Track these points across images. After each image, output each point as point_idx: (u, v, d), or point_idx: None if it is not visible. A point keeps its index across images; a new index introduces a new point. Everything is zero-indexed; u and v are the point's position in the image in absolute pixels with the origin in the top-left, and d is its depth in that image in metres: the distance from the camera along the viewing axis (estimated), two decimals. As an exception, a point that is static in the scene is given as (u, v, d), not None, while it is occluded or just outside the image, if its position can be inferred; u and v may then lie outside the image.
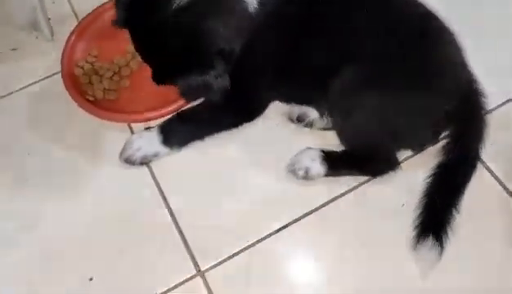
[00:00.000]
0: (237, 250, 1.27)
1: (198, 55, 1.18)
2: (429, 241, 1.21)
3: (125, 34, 1.38)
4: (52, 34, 1.60)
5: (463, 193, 1.27)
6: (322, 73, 1.28)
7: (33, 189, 1.36)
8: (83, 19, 1.56)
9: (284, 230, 1.29)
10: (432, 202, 1.26)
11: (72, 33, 1.52)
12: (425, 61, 1.23)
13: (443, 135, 1.35)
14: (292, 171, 1.33)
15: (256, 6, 1.22)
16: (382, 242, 1.27)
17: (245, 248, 1.27)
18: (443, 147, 1.33)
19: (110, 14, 1.51)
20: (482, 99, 1.31)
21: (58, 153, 1.41)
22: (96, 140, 1.43)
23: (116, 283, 1.23)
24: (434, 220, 1.25)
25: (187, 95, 1.29)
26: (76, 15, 1.64)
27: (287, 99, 1.41)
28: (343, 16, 1.26)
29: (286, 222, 1.30)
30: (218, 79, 1.20)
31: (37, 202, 1.34)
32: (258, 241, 1.28)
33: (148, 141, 1.36)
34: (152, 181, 1.37)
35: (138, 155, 1.36)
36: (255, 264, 1.25)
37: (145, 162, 1.37)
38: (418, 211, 1.27)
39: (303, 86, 1.34)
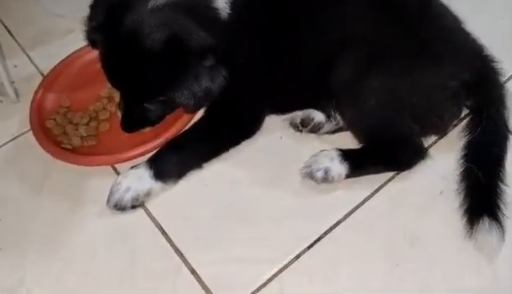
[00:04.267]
0: (265, 279, 1.05)
1: (182, 57, 1.08)
2: (486, 222, 1.04)
3: (97, 81, 1.32)
4: (18, 96, 1.46)
5: (504, 164, 1.13)
6: (318, 68, 1.17)
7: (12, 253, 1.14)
8: (50, 71, 1.43)
9: (316, 246, 1.09)
10: (475, 181, 1.11)
11: (39, 87, 1.39)
12: (430, 32, 1.15)
13: (463, 115, 1.24)
14: (309, 173, 1.16)
15: (228, 11, 1.13)
16: (432, 237, 1.09)
17: (275, 275, 1.06)
18: (468, 123, 1.21)
19: (79, 63, 1.45)
20: (496, 66, 1.21)
21: (37, 207, 1.21)
22: (79, 191, 1.23)
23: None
24: (483, 198, 1.09)
25: (193, 103, 1.14)
26: (41, 73, 1.51)
27: (286, 107, 1.28)
28: (329, 4, 1.18)
29: (316, 237, 1.10)
30: (213, 73, 1.10)
31: (17, 266, 1.11)
32: (289, 263, 1.07)
33: (137, 179, 1.17)
34: (150, 222, 1.16)
35: (128, 197, 1.16)
36: (289, 289, 1.04)
37: (137, 204, 1.17)
38: (461, 195, 1.11)
39: (300, 87, 1.22)
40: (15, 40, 1.60)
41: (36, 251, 1.14)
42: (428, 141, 1.22)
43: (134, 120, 1.22)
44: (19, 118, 1.39)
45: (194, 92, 1.11)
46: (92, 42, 1.17)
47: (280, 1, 1.19)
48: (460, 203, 1.10)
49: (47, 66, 1.47)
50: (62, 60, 1.45)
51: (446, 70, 1.13)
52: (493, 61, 1.20)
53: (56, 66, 1.44)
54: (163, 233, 1.14)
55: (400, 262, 1.06)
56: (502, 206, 1.07)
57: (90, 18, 1.16)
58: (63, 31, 1.60)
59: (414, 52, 1.12)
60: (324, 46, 1.17)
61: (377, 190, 1.17)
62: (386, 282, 1.03)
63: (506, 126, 1.18)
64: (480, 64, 1.18)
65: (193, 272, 1.08)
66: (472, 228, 1.05)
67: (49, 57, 1.49)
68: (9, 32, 1.62)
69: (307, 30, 1.18)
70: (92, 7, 1.18)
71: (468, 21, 1.22)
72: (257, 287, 1.04)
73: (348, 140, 1.22)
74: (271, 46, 1.18)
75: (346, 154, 1.16)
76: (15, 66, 1.55)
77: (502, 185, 1.09)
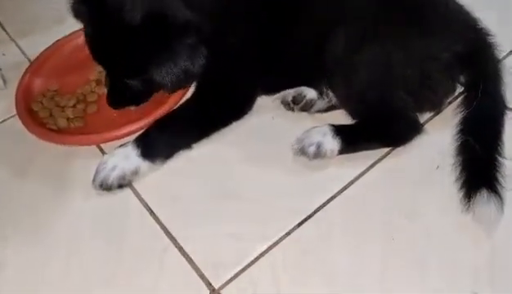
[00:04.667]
0: (256, 255, 1.01)
1: (163, 33, 1.06)
2: (484, 194, 1.00)
3: (87, 66, 1.31)
4: (5, 83, 1.43)
5: (502, 138, 1.09)
6: (310, 45, 1.16)
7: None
8: (38, 56, 1.41)
9: (308, 221, 1.05)
10: (472, 154, 1.07)
11: (26, 71, 1.37)
12: (421, 4, 1.14)
13: (458, 93, 1.21)
14: (301, 149, 1.12)
15: None
16: (429, 211, 1.05)
17: (266, 251, 1.02)
18: (464, 99, 1.18)
19: (68, 48, 1.43)
20: (491, 39, 1.18)
21: (20, 191, 1.16)
22: (65, 173, 1.19)
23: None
24: (481, 171, 1.05)
25: (170, 82, 1.11)
26: (30, 61, 1.48)
27: (278, 85, 1.25)
28: None
29: (309, 213, 1.06)
30: (193, 52, 1.08)
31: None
32: (280, 239, 1.03)
33: (124, 157, 1.13)
34: (138, 202, 1.12)
35: (114, 175, 1.11)
36: (280, 264, 1.00)
37: (123, 184, 1.13)
38: (458, 169, 1.08)
39: (292, 64, 1.20)
40: (4, 29, 1.59)
41: (18, 232, 1.09)
42: (423, 118, 1.19)
43: (119, 96, 1.19)
44: (5, 103, 1.36)
45: (171, 70, 1.08)
46: (77, 14, 1.15)
47: None
48: (457, 177, 1.07)
49: (35, 54, 1.45)
50: (50, 45, 1.43)
51: (438, 42, 1.11)
52: (487, 34, 1.17)
53: (43, 51, 1.42)
54: (151, 212, 1.10)
55: (396, 236, 1.01)
56: (501, 178, 1.03)
57: None
58: (52, 20, 1.58)
59: (405, 24, 1.10)
60: (316, 23, 1.15)
61: (372, 166, 1.13)
62: (381, 255, 0.99)
63: (503, 102, 1.14)
64: (473, 37, 1.15)
65: (181, 250, 1.03)
66: (469, 201, 1.01)
67: (38, 45, 1.46)
68: (-3, 21, 1.61)
69: (298, 7, 1.17)
70: None
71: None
72: (248, 262, 1.00)
73: (342, 119, 1.18)
74: (261, 25, 1.16)
75: (339, 129, 1.13)
76: (4, 54, 1.53)
77: (500, 158, 1.06)
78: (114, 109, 1.21)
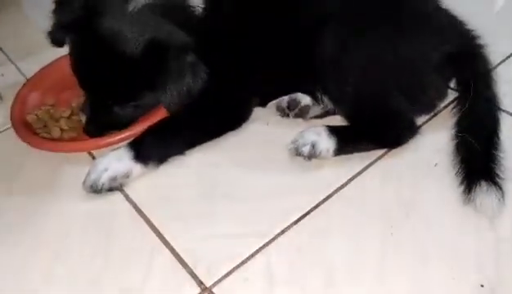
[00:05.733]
0: (250, 252, 0.97)
1: (163, 57, 1.07)
2: (484, 186, 0.98)
3: None
4: (1, 98, 1.44)
5: (498, 135, 1.08)
6: (300, 49, 1.15)
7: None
8: (37, 72, 1.42)
9: (304, 219, 1.02)
10: (470, 150, 1.06)
11: (24, 86, 1.38)
12: (409, 6, 1.15)
13: (454, 97, 1.21)
14: (295, 148, 1.11)
15: (203, 6, 1.14)
16: (428, 206, 1.02)
17: (261, 248, 0.98)
18: (459, 101, 1.17)
19: (67, 67, 1.42)
20: (480, 41, 1.19)
21: (8, 196, 1.14)
22: (55, 179, 1.16)
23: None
24: (480, 165, 1.03)
25: (172, 101, 1.10)
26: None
27: (272, 93, 1.25)
28: None
29: (304, 211, 1.03)
30: (195, 69, 1.09)
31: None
32: (275, 237, 0.99)
33: (116, 159, 1.11)
34: (128, 205, 1.09)
35: (106, 177, 1.09)
36: (275, 261, 0.95)
37: (114, 186, 1.10)
38: (458, 165, 1.06)
39: (283, 70, 1.19)
40: (3, 52, 1.62)
41: (3, 234, 1.06)
42: (419, 121, 1.17)
43: (101, 124, 1.18)
44: (1, 117, 1.37)
45: (177, 90, 1.08)
46: (57, 41, 1.16)
47: None
48: (456, 172, 1.04)
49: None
50: (50, 63, 1.45)
51: (426, 41, 1.11)
52: (476, 36, 1.19)
53: (42, 68, 1.43)
54: (141, 214, 1.06)
55: (394, 231, 0.98)
56: (500, 171, 1.01)
57: (58, 14, 1.14)
58: (50, 44, 1.61)
59: (393, 25, 1.11)
60: (304, 26, 1.15)
61: (369, 166, 1.11)
62: (380, 250, 0.95)
63: (496, 100, 1.14)
64: (461, 38, 1.17)
65: (172, 250, 0.99)
66: (470, 193, 0.99)
67: (36, 67, 1.47)
68: (-2, 45, 1.64)
69: (284, 11, 1.17)
70: (60, 3, 1.15)
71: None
72: (241, 260, 0.96)
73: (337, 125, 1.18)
74: (248, 33, 1.17)
75: (334, 129, 1.12)
76: (2, 75, 1.55)
77: (497, 153, 1.04)
78: (94, 137, 1.19)
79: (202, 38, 1.11)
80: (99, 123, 1.19)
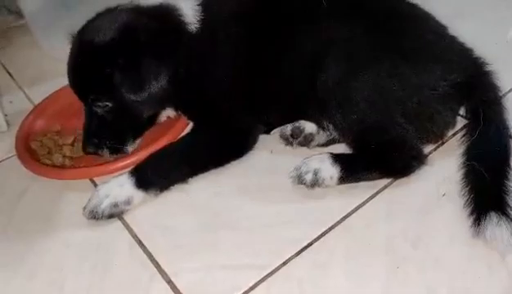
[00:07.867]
0: (251, 285, 0.93)
1: (133, 47, 1.10)
2: (494, 218, 0.94)
3: None
4: (9, 126, 1.45)
5: (509, 163, 1.04)
6: (304, 77, 1.14)
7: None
8: (44, 99, 1.43)
9: (306, 251, 0.98)
10: (478, 179, 1.02)
11: (30, 113, 1.38)
12: (415, 35, 1.13)
13: (462, 126, 1.18)
14: (298, 176, 1.08)
15: (197, 26, 1.15)
16: (436, 238, 0.98)
17: (261, 280, 0.94)
18: (468, 129, 1.14)
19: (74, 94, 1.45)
20: (488, 68, 1.16)
21: (7, 222, 1.13)
22: (55, 206, 1.15)
23: None
24: (490, 195, 0.99)
25: (134, 97, 1.12)
26: (37, 107, 1.51)
27: (275, 120, 1.23)
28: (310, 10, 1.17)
29: (307, 242, 1.00)
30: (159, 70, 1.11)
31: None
32: (276, 269, 0.96)
33: (118, 185, 1.10)
34: (127, 233, 1.06)
35: (106, 203, 1.08)
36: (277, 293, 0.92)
37: (115, 212, 1.08)
38: (467, 196, 1.02)
39: (286, 97, 1.18)
40: (14, 79, 1.64)
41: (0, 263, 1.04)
42: (427, 149, 1.14)
43: (94, 135, 1.18)
44: (7, 144, 1.37)
45: (138, 85, 1.10)
46: None
47: (256, 15, 1.19)
48: (465, 203, 1.00)
49: (43, 101, 1.48)
50: (57, 90, 1.46)
51: (434, 71, 1.09)
52: (484, 63, 1.16)
53: (49, 95, 1.45)
54: (140, 243, 1.04)
55: (401, 264, 0.93)
56: (511, 201, 0.96)
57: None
58: (60, 73, 1.62)
59: (399, 53, 1.09)
60: (308, 53, 1.14)
61: (374, 195, 1.07)
62: (385, 284, 0.90)
63: (507, 127, 1.10)
64: (469, 65, 1.14)
65: (169, 282, 0.96)
66: (479, 225, 0.94)
67: (44, 94, 1.48)
68: (8, 73, 1.66)
69: (289, 38, 1.16)
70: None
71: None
72: (242, 292, 0.92)
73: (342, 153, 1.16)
74: (250, 60, 1.16)
75: (338, 157, 1.09)
76: (11, 102, 1.56)
77: (507, 182, 1.00)
78: (88, 152, 1.19)
79: (186, 54, 1.13)
80: (94, 135, 1.18)
